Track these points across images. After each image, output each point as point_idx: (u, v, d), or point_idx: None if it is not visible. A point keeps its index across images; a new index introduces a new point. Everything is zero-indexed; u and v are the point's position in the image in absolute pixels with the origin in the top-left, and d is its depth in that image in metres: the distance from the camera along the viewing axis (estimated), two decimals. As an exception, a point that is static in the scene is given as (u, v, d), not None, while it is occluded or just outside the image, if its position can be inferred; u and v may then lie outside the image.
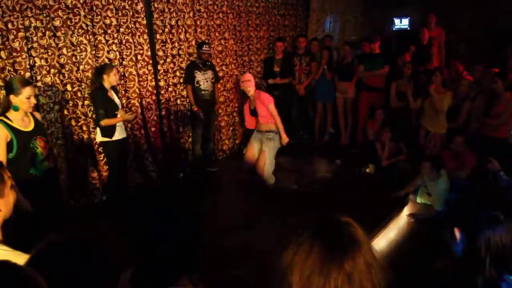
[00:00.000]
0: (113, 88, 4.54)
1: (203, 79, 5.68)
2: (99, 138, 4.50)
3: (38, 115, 3.42)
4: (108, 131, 4.39)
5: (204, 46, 5.59)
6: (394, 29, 8.38)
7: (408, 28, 8.14)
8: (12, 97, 3.09)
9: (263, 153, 4.87)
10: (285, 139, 4.88)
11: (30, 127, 3.20)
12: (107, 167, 4.95)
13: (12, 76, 4.00)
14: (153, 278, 1.26)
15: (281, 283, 1.03)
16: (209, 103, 5.84)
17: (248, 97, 4.96)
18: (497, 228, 1.48)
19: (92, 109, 4.76)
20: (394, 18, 8.32)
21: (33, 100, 3.16)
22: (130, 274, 1.33)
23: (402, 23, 8.30)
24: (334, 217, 1.08)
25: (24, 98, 3.10)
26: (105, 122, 4.35)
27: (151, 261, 1.29)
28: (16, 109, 3.10)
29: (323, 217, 1.09)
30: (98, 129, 4.46)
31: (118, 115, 4.43)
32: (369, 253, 1.03)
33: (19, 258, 1.37)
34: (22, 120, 3.16)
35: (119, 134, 4.50)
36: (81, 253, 1.20)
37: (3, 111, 3.11)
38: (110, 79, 4.37)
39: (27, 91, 3.11)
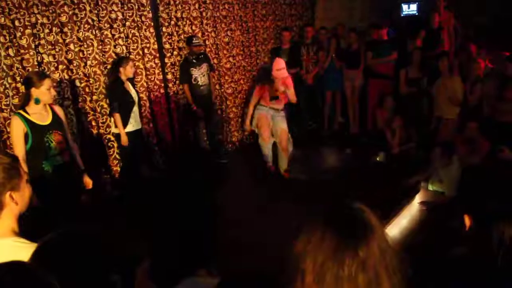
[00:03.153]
0: (130, 80, 4.60)
1: (200, 74, 5.55)
2: (114, 129, 4.60)
3: (60, 110, 3.48)
4: (122, 122, 4.49)
5: (194, 39, 5.43)
6: (402, 15, 8.27)
7: (417, 14, 8.02)
8: (33, 90, 3.18)
9: (284, 132, 5.14)
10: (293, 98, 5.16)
11: (47, 121, 3.27)
12: (117, 161, 4.99)
13: (21, 72, 4.04)
14: (172, 269, 1.27)
15: (294, 271, 1.02)
16: (208, 97, 5.76)
17: (266, 84, 4.89)
18: (510, 222, 1.43)
19: (100, 104, 4.80)
20: (402, 4, 8.21)
21: (53, 91, 3.28)
22: (148, 265, 1.33)
23: (410, 9, 8.20)
24: (346, 203, 1.07)
25: (45, 90, 3.19)
26: (116, 116, 4.44)
27: (169, 253, 1.29)
28: (37, 101, 3.19)
29: (335, 204, 1.07)
30: (113, 120, 4.54)
31: (131, 118, 4.54)
32: (383, 238, 1.01)
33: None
34: (40, 114, 3.25)
35: (133, 126, 4.59)
36: (86, 244, 1.20)
37: (22, 105, 3.22)
38: (126, 72, 4.46)
39: (47, 82, 3.21)
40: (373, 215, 1.04)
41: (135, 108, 4.62)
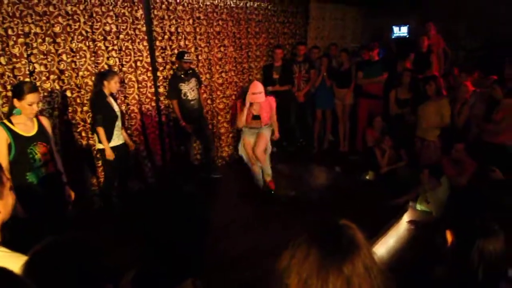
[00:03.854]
0: (112, 95, 4.54)
1: (189, 89, 5.54)
2: (98, 144, 4.52)
3: (46, 121, 3.43)
4: (106, 136, 4.40)
5: (186, 55, 5.41)
6: (393, 36, 8.44)
7: (407, 36, 8.19)
8: (15, 101, 3.14)
9: (262, 136, 5.11)
10: (277, 135, 5.31)
11: (32, 132, 3.22)
12: (104, 173, 4.94)
13: (12, 80, 4.03)
14: (156, 280, 1.26)
15: (278, 286, 1.01)
16: (198, 111, 5.74)
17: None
18: (490, 237, 1.44)
19: (90, 115, 4.77)
20: (393, 26, 8.39)
21: (35, 107, 3.19)
22: (132, 275, 1.32)
23: (401, 31, 8.37)
24: (333, 220, 1.07)
25: (26, 104, 3.13)
26: (100, 130, 4.37)
27: (154, 264, 1.28)
28: (18, 112, 3.15)
29: (322, 220, 1.08)
30: (95, 136, 4.47)
31: (114, 132, 4.48)
32: (369, 256, 1.01)
33: (18, 260, 1.36)
34: (24, 125, 3.19)
35: (116, 141, 4.52)
36: (79, 252, 1.19)
37: (9, 114, 3.18)
38: (110, 86, 4.40)
39: (30, 97, 3.13)
40: (359, 232, 1.05)
41: (118, 123, 4.53)
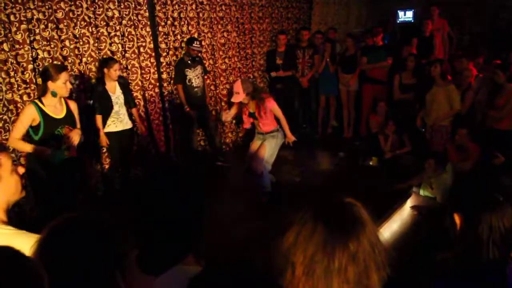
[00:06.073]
0: (119, 82, 4.56)
1: (195, 76, 5.52)
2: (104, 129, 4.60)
3: (74, 105, 3.55)
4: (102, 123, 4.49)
5: (195, 42, 5.37)
6: (398, 21, 8.37)
7: (412, 21, 8.11)
8: (50, 83, 3.27)
9: (263, 147, 4.70)
10: (291, 137, 4.76)
11: (61, 114, 3.37)
12: (109, 160, 4.97)
13: (15, 67, 4.03)
14: (159, 257, 1.26)
15: (284, 264, 1.03)
16: (202, 99, 5.73)
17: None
18: (497, 210, 1.45)
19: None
20: (398, 11, 8.31)
21: (69, 85, 3.36)
22: (136, 253, 1.33)
23: (406, 16, 8.29)
24: (338, 197, 1.08)
25: (61, 83, 3.28)
26: (97, 118, 4.45)
27: (157, 242, 1.28)
28: (54, 94, 3.29)
29: (327, 198, 1.08)
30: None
31: (110, 119, 4.53)
32: (373, 233, 1.02)
33: (23, 237, 1.37)
34: (54, 107, 3.34)
35: (115, 126, 4.56)
36: (97, 233, 1.17)
37: (39, 96, 3.34)
38: (110, 74, 4.41)
39: (64, 76, 3.30)
40: (363, 210, 1.06)
41: (119, 109, 4.54)
